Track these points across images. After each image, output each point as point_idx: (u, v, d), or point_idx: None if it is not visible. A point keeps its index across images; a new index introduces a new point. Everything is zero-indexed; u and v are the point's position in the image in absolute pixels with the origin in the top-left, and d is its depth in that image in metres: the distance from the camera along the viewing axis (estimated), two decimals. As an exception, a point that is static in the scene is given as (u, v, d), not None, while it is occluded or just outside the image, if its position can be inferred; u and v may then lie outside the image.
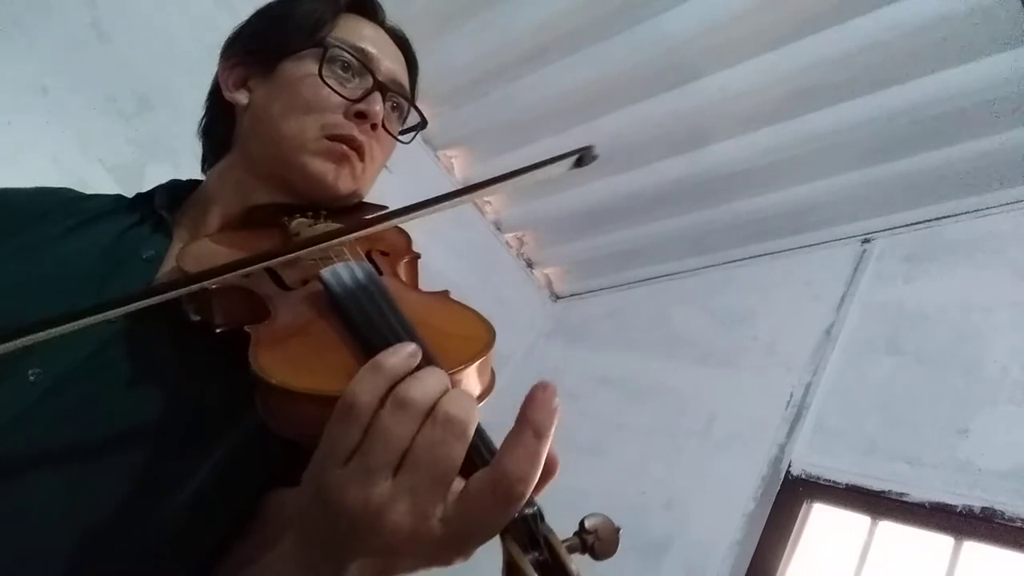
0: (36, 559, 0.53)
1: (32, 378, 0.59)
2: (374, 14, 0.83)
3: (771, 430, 2.02)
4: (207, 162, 0.86)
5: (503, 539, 0.38)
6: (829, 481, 1.83)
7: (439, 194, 0.61)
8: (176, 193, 0.80)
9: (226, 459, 0.59)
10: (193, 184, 0.83)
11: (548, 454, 0.40)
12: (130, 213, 0.76)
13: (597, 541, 0.39)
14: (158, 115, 1.96)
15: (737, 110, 2.15)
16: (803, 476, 1.88)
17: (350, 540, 0.40)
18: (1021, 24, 1.69)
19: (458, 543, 0.39)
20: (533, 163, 0.60)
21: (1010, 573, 1.54)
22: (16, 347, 0.46)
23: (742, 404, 2.14)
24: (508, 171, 0.61)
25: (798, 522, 1.82)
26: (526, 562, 0.36)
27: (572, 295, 3.08)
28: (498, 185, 0.61)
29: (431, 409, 0.39)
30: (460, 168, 2.76)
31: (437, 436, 0.38)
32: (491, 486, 0.37)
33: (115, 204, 0.78)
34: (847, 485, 1.80)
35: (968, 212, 2.08)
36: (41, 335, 0.47)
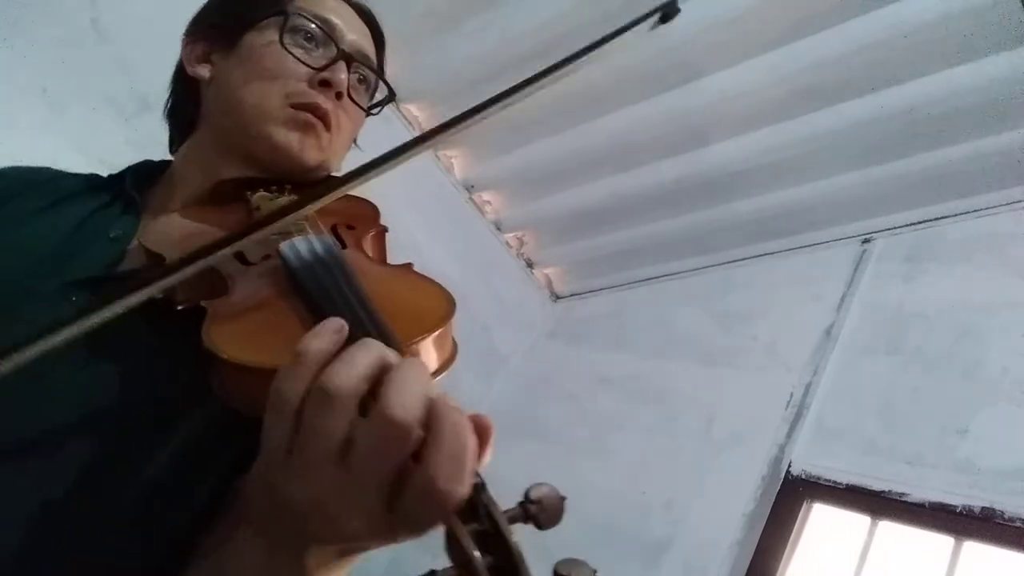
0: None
1: None
2: None
3: (771, 430, 2.02)
4: (174, 143, 0.85)
5: None
6: (829, 481, 1.83)
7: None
8: (147, 173, 0.80)
9: (193, 439, 0.58)
10: (165, 165, 0.82)
11: (481, 421, 0.39)
12: (102, 193, 0.75)
13: (541, 511, 0.38)
14: (158, 115, 1.95)
15: (737, 110, 2.15)
16: (803, 476, 1.88)
17: (301, 530, 0.40)
18: (1021, 24, 1.69)
19: (402, 532, 0.38)
20: (609, 33, 0.54)
21: (1010, 573, 1.54)
22: None
23: (742, 404, 2.14)
24: (576, 51, 0.55)
25: (798, 522, 1.83)
26: (464, 532, 0.36)
27: (572, 295, 3.08)
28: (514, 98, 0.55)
29: (372, 390, 0.37)
30: (460, 168, 2.76)
31: (381, 444, 0.36)
32: (424, 488, 0.36)
33: (88, 184, 0.78)
34: (847, 485, 1.80)
35: (968, 212, 2.08)
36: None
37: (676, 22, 2.06)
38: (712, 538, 1.91)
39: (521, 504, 0.38)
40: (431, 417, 0.37)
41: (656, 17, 0.56)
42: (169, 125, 0.86)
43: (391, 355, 0.41)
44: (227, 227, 0.65)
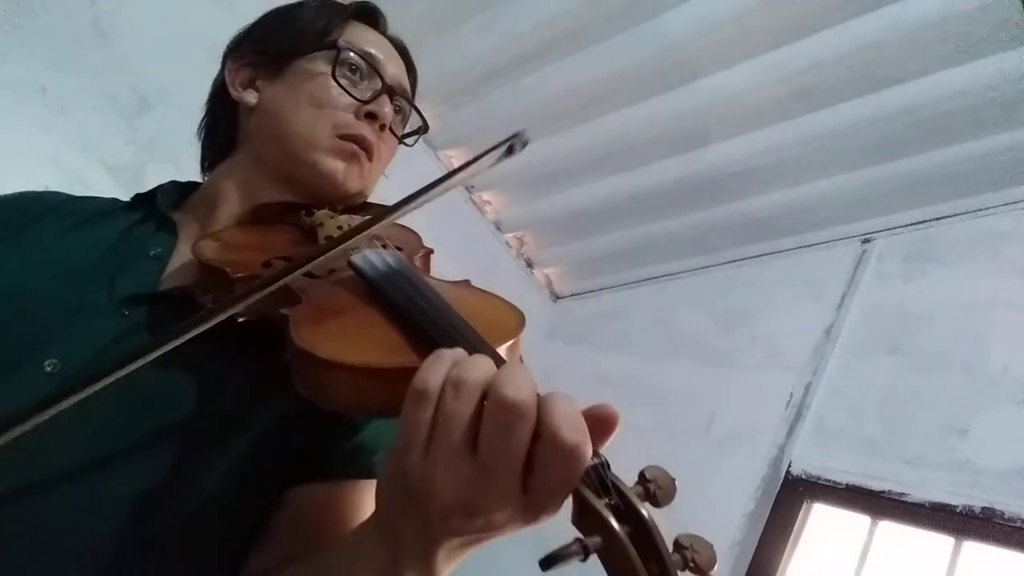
0: (52, 547, 0.53)
1: (49, 369, 0.59)
2: (376, 23, 0.85)
3: (771, 430, 2.02)
4: (207, 161, 0.87)
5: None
6: (829, 481, 1.83)
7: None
8: (178, 193, 0.82)
9: (246, 451, 0.60)
10: (193, 186, 0.84)
11: (606, 411, 0.43)
12: (131, 212, 0.77)
13: (658, 489, 0.41)
14: (158, 115, 1.96)
15: (737, 110, 2.15)
16: (803, 476, 1.88)
17: (441, 523, 0.42)
18: (1021, 24, 1.69)
19: (541, 507, 0.41)
20: (465, 162, 0.60)
21: (1010, 573, 1.54)
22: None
23: (742, 404, 2.14)
24: (446, 172, 0.60)
25: (798, 522, 1.83)
26: (602, 506, 0.38)
27: (572, 295, 3.08)
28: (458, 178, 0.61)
29: (489, 390, 0.41)
30: (460, 168, 2.76)
31: (502, 422, 0.40)
32: (550, 450, 0.39)
33: (113, 205, 0.80)
34: (847, 485, 1.80)
35: (968, 212, 2.07)
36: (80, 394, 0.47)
37: (676, 22, 2.07)
38: (712, 538, 1.90)
39: (639, 483, 0.41)
40: (539, 399, 0.41)
41: (505, 147, 0.62)
42: (203, 144, 0.88)
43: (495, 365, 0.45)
44: (276, 245, 0.69)
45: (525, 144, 0.60)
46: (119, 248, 0.71)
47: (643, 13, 2.02)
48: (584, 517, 0.39)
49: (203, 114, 0.87)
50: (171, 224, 0.76)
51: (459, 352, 0.44)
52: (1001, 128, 1.89)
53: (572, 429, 0.39)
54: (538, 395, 0.41)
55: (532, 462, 0.40)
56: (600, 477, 0.40)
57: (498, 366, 0.43)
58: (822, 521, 1.83)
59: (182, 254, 0.72)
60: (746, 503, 1.92)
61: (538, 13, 2.12)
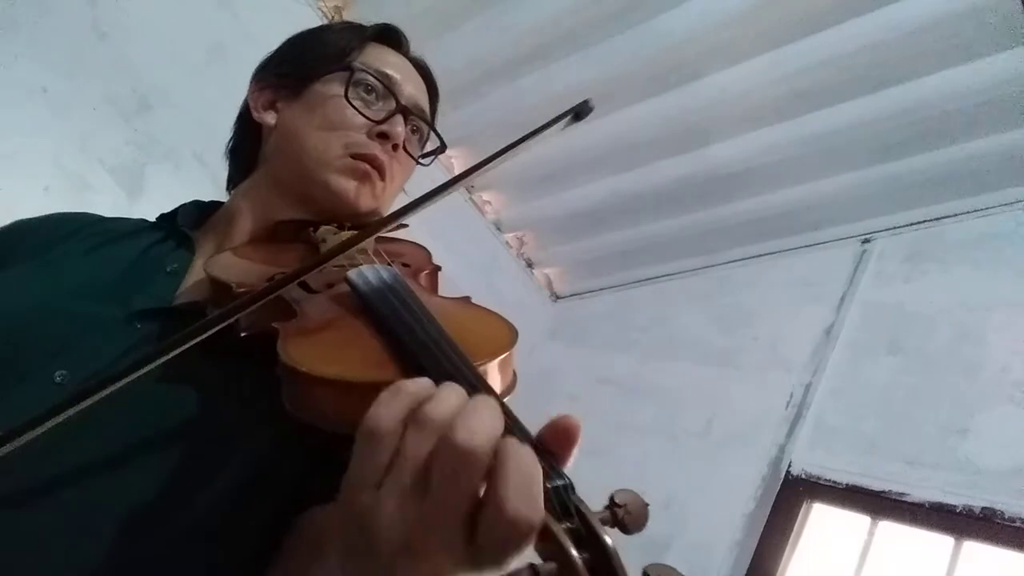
0: (49, 560, 0.53)
1: (58, 379, 0.59)
2: (399, 44, 0.86)
3: (771, 430, 2.02)
4: (232, 181, 0.89)
5: None
6: (829, 481, 1.83)
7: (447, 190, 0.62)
8: (199, 212, 0.84)
9: (251, 462, 0.59)
10: (215, 205, 0.86)
11: (567, 421, 0.41)
12: (154, 232, 0.79)
13: (627, 515, 0.39)
14: (158, 115, 1.95)
15: (737, 110, 2.15)
16: (803, 476, 1.88)
17: (390, 564, 0.39)
18: (1021, 24, 1.69)
19: (485, 562, 0.37)
20: (531, 130, 0.59)
21: (1010, 573, 1.54)
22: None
23: (742, 404, 2.14)
24: (509, 143, 0.60)
25: (798, 522, 1.83)
26: (560, 530, 0.36)
27: (572, 295, 3.08)
28: (503, 159, 0.60)
29: (445, 430, 0.38)
30: (460, 168, 2.76)
31: (450, 467, 0.37)
32: (495, 514, 0.36)
33: (139, 225, 0.82)
34: (847, 485, 1.80)
35: (968, 212, 2.08)
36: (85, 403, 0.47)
37: (676, 22, 2.07)
38: (712, 538, 1.91)
39: (608, 508, 0.39)
40: (497, 450, 0.37)
41: (570, 116, 0.61)
42: (229, 164, 0.90)
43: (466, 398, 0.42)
44: (286, 262, 0.70)
45: (591, 110, 0.58)
46: (138, 265, 0.73)
47: (643, 13, 2.02)
48: (542, 540, 0.36)
49: (231, 135, 0.89)
50: (190, 241, 0.77)
51: (421, 385, 0.41)
52: (1001, 128, 1.89)
53: (518, 496, 0.35)
54: (502, 439, 0.38)
55: (479, 514, 0.37)
56: (562, 499, 0.38)
57: (470, 394, 0.40)
58: (822, 521, 1.83)
59: (198, 271, 0.73)
60: (746, 503, 1.92)
61: (538, 13, 2.12)
